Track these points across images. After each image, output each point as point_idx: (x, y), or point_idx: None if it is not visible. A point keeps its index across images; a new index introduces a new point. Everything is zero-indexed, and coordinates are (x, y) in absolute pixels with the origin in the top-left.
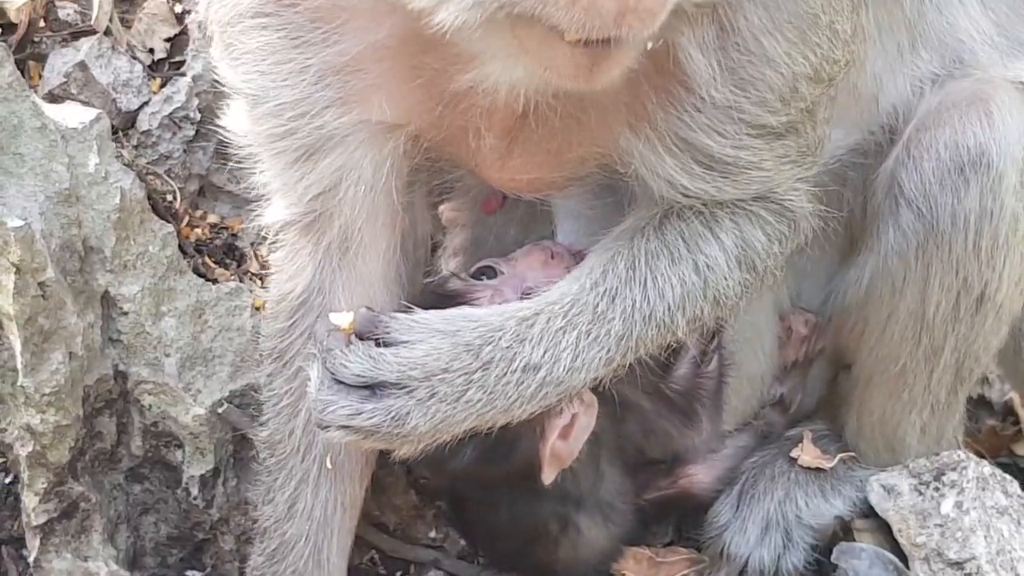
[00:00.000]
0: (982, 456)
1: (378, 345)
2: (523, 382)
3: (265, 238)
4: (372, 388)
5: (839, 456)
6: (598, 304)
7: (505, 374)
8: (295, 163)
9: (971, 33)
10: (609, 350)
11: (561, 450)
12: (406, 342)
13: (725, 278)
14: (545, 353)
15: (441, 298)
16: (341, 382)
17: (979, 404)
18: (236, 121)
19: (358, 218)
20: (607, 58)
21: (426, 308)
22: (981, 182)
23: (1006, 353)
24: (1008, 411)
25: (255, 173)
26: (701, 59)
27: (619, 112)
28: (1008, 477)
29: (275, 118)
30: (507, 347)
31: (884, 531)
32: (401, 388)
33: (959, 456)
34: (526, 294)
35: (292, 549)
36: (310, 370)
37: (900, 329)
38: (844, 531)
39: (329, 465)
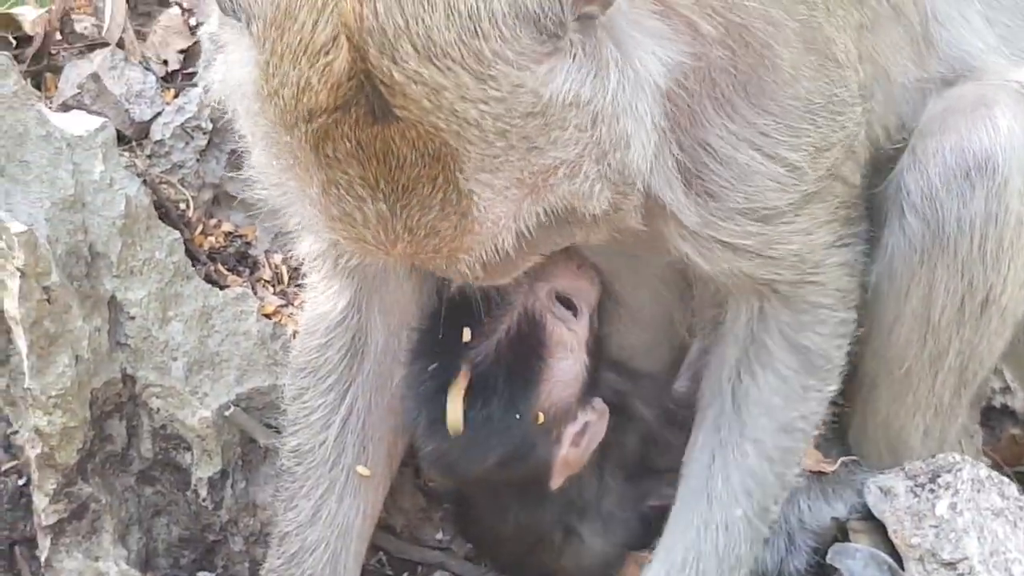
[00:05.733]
0: (1000, 467)
1: None
2: None
3: (281, 245)
4: None
5: (841, 460)
6: None
7: None
8: None
9: (976, 44)
10: None
11: (573, 456)
12: None
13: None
14: None
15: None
16: None
17: (1002, 413)
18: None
19: None
20: None
21: (449, 309)
22: (987, 187)
23: (1021, 360)
24: None
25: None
26: (670, 192)
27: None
28: (1005, 480)
29: None
30: None
31: (880, 532)
32: None
33: (954, 459)
34: (560, 298)
35: (311, 554)
36: None
37: (906, 332)
38: (842, 533)
39: (366, 472)
